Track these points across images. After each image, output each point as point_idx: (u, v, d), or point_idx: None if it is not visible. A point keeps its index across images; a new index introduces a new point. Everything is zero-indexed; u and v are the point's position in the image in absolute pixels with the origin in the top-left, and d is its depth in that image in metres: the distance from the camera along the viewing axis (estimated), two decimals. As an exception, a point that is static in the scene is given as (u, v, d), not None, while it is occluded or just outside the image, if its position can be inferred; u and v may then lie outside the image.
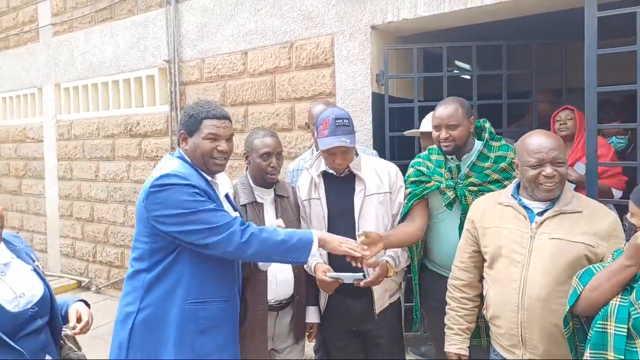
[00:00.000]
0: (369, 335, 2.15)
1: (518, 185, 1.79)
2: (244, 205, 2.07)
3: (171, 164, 1.73)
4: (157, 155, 4.43)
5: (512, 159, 2.06)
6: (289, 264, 2.06)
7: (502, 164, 2.06)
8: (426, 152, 2.30)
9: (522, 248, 1.67)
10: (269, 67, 3.69)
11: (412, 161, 2.32)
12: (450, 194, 2.07)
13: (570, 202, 1.67)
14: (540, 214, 1.68)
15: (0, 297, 1.44)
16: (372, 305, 2.07)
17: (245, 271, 1.93)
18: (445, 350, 1.91)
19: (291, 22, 3.55)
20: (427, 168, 2.20)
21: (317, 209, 2.12)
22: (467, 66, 5.45)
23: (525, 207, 1.72)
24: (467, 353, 1.88)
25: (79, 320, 1.63)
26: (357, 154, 2.11)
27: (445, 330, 1.92)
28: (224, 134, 1.75)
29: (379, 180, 2.09)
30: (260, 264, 1.94)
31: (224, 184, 1.86)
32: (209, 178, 1.78)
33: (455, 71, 5.20)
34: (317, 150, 2.62)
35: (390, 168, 2.15)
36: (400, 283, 2.24)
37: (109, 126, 4.83)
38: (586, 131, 2.47)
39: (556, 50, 3.38)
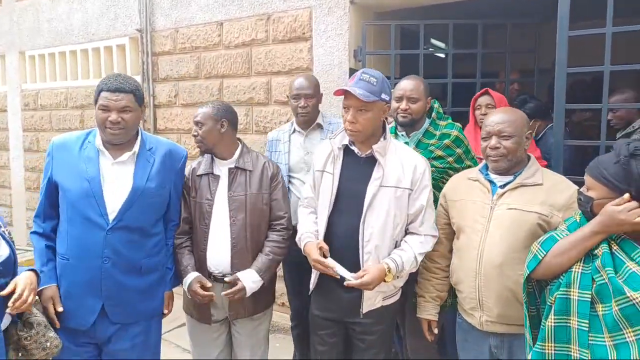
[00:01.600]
0: (354, 331, 1.97)
1: None
2: (200, 176, 2.15)
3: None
4: (128, 128, 4.33)
5: (457, 136, 2.21)
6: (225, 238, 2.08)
7: (446, 141, 2.19)
8: None
9: (483, 218, 1.77)
10: (245, 40, 3.63)
11: None
12: None
13: (533, 175, 1.76)
14: (503, 186, 1.78)
15: None
16: (360, 302, 1.89)
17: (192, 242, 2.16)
18: (417, 315, 2.02)
19: (268, -6, 3.49)
20: None
21: (327, 184, 1.93)
22: (442, 45, 5.49)
23: (490, 181, 1.81)
24: (436, 319, 1.98)
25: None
26: (385, 137, 1.88)
27: (418, 298, 2.03)
28: (115, 106, 1.85)
29: (401, 173, 1.85)
30: None
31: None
32: (100, 147, 1.93)
33: (431, 49, 5.23)
34: (296, 120, 2.65)
35: (418, 162, 1.88)
36: (401, 287, 2.02)
37: (78, 97, 4.68)
38: (555, 111, 2.55)
39: (530, 31, 3.45)
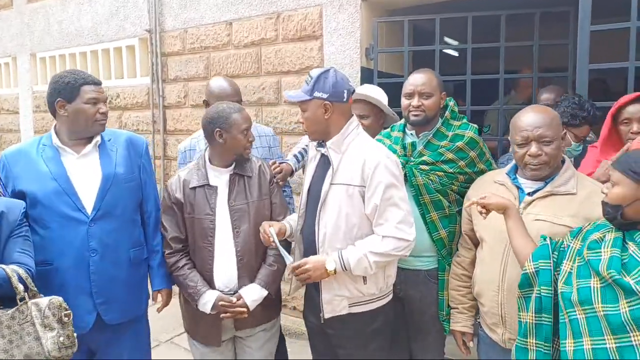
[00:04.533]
0: (331, 337, 1.90)
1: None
2: (194, 189, 1.95)
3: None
4: (138, 129, 4.30)
5: (471, 137, 2.03)
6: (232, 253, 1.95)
7: (459, 143, 2.01)
8: (389, 129, 2.26)
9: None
10: (255, 39, 3.56)
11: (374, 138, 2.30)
12: None
13: (566, 183, 1.61)
14: (532, 193, 1.65)
15: None
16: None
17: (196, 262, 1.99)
18: (451, 328, 1.94)
19: (278, -8, 3.42)
20: (384, 145, 2.16)
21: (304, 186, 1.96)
22: (455, 43, 5.37)
23: (518, 187, 1.68)
24: (471, 331, 1.89)
25: None
26: (344, 133, 1.81)
27: (451, 310, 1.95)
28: (103, 98, 1.94)
29: (352, 170, 1.77)
30: None
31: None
32: (59, 145, 1.92)
33: (448, 45, 5.07)
34: None
35: (367, 158, 1.75)
36: (385, 296, 1.87)
37: (88, 98, 4.66)
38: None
39: (562, 24, 3.06)
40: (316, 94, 1.77)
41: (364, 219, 1.78)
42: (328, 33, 3.24)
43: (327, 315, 1.82)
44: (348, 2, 3.14)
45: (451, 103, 2.15)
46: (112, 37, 4.40)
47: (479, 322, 1.91)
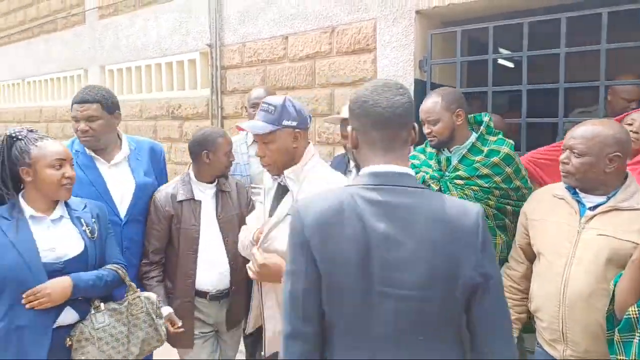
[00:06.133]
0: None
1: None
2: (180, 202, 2.18)
3: None
4: (197, 138, 4.52)
5: (507, 153, 2.01)
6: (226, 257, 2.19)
7: (494, 158, 2.00)
8: (423, 145, 2.28)
9: (568, 242, 1.64)
10: (310, 52, 3.68)
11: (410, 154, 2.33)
12: (434, 185, 2.02)
13: (630, 197, 1.59)
14: (593, 208, 1.63)
15: (39, 243, 1.65)
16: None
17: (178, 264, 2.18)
18: None
19: (333, 7, 3.52)
20: (419, 160, 2.20)
21: (260, 215, 1.90)
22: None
23: (578, 201, 1.68)
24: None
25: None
26: (303, 162, 1.72)
27: None
28: (82, 116, 2.07)
29: None
30: None
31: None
32: (94, 155, 2.14)
33: (501, 54, 4.94)
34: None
35: (319, 184, 1.62)
36: None
37: (152, 108, 4.96)
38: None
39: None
40: (285, 122, 1.69)
41: None
42: (381, 46, 3.30)
43: (267, 354, 1.79)
44: (402, 15, 3.19)
45: (486, 118, 2.14)
46: (175, 50, 4.67)
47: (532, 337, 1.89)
